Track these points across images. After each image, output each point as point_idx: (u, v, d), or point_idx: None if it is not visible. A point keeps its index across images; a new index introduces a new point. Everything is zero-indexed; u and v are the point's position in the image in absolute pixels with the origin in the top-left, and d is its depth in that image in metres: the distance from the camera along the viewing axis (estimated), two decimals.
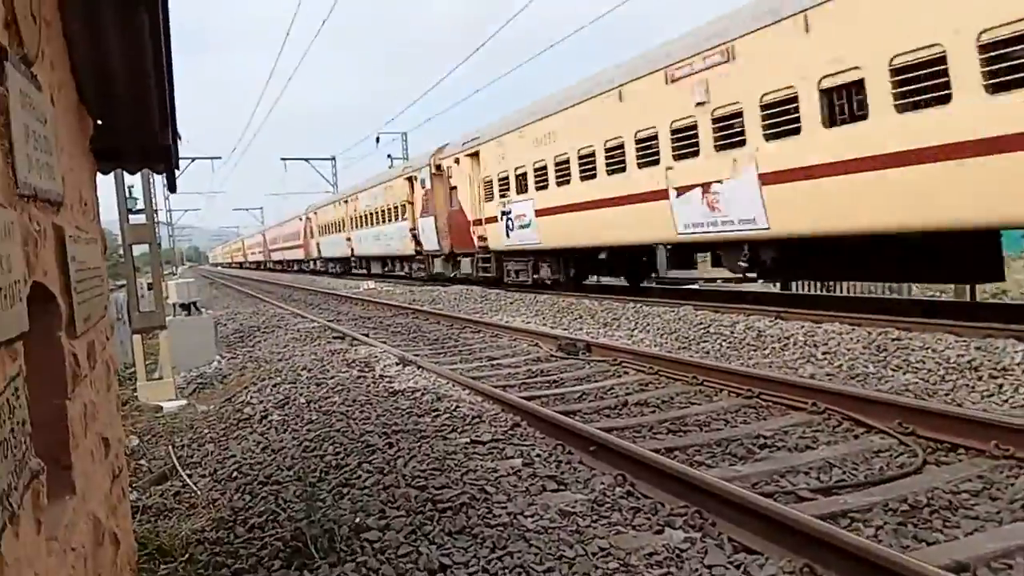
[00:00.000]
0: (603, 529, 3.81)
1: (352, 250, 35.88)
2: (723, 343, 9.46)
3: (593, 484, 4.47)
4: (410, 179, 26.27)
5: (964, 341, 7.70)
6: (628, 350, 8.82)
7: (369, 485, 4.67)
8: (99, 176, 4.07)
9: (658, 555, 3.47)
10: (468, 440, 5.56)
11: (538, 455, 5.09)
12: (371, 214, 31.54)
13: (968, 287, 12.66)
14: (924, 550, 3.37)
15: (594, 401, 6.85)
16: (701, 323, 10.80)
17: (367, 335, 12.46)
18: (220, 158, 55.00)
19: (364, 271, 36.10)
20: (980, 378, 6.52)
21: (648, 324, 11.50)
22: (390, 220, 28.92)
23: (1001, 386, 6.22)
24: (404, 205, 26.90)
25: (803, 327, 9.50)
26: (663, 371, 7.70)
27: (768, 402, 6.23)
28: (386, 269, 32.79)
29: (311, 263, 48.10)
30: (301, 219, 48.71)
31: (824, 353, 8.15)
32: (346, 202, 36.01)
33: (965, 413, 5.05)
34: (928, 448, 4.79)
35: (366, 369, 8.86)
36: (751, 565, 3.31)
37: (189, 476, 5.53)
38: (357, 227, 34.34)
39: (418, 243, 26.00)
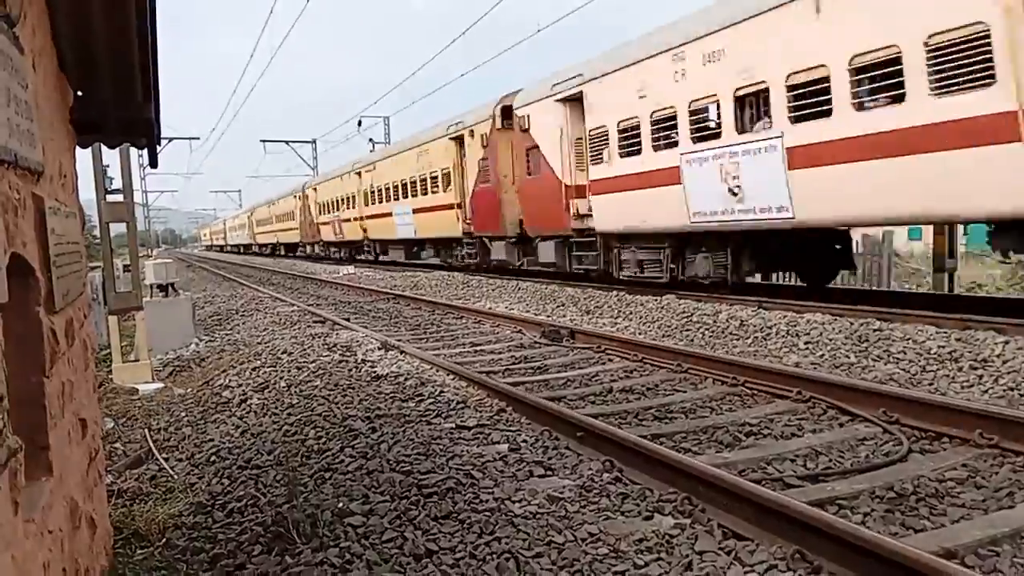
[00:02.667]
0: (592, 515, 3.77)
1: (364, 231, 29.93)
2: (706, 332, 9.47)
3: (581, 470, 4.44)
4: (459, 138, 20.13)
5: (944, 332, 7.77)
6: (612, 337, 8.80)
7: (352, 470, 4.60)
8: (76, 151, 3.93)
9: (648, 541, 3.44)
10: (453, 425, 5.50)
11: (524, 441, 5.05)
12: (394, 187, 25.67)
13: (946, 279, 12.86)
14: (912, 536, 3.37)
15: (579, 387, 6.82)
16: (684, 312, 10.82)
17: (348, 320, 12.34)
18: (198, 139, 54.20)
19: (373, 256, 30.84)
20: (960, 368, 6.58)
21: (631, 312, 11.49)
22: (423, 193, 23.02)
23: (981, 376, 6.28)
24: (447, 173, 21.07)
25: (785, 317, 9.54)
26: (647, 358, 7.69)
27: (753, 390, 6.23)
28: (414, 254, 26.47)
29: (308, 247, 41.23)
30: (296, 197, 42.83)
31: (807, 343, 8.18)
32: (358, 174, 30.21)
33: (949, 402, 5.08)
34: (913, 437, 4.81)
35: (348, 353, 8.76)
36: (742, 551, 3.29)
37: (166, 460, 5.42)
38: (373, 202, 28.37)
39: (469, 222, 19.90)
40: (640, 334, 9.63)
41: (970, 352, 6.98)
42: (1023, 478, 4.03)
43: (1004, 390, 5.87)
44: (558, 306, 12.99)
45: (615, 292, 13.65)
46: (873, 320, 8.77)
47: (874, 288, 15.46)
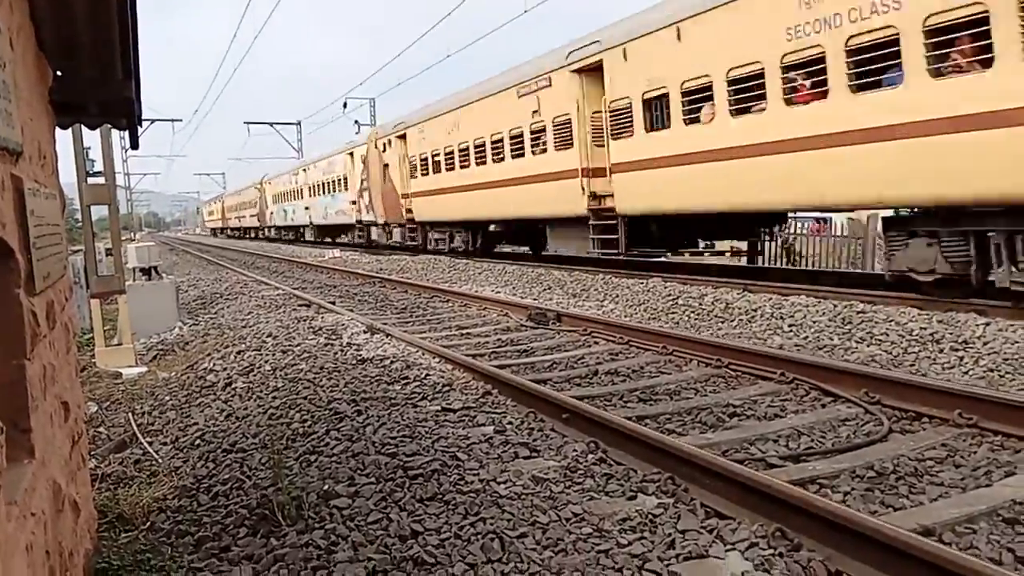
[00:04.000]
0: (576, 495, 3.80)
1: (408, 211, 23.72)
2: (691, 314, 9.52)
3: (566, 451, 4.47)
4: (581, 71, 14.36)
5: (926, 314, 7.85)
6: (598, 320, 8.82)
7: (338, 452, 4.60)
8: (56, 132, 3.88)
9: (631, 520, 3.48)
10: (439, 408, 5.51)
11: (510, 423, 5.07)
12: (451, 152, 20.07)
13: None
14: (891, 515, 3.42)
15: (565, 370, 6.84)
16: (670, 295, 10.86)
17: (334, 303, 12.30)
18: (180, 120, 53.51)
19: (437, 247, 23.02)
20: (942, 350, 6.66)
21: (617, 295, 11.53)
22: (531, 153, 16.33)
23: (962, 358, 6.36)
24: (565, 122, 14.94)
25: (770, 299, 9.60)
26: (633, 341, 7.72)
27: (737, 371, 6.28)
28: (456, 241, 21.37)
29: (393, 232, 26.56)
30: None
31: (791, 325, 8.25)
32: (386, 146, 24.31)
33: (930, 383, 5.15)
34: (893, 417, 4.88)
35: (333, 337, 8.74)
36: (724, 529, 3.33)
37: (150, 444, 5.41)
38: (420, 174, 22.45)
39: (597, 198, 14.49)
40: (626, 317, 9.66)
41: (951, 334, 7.06)
42: (1000, 457, 4.10)
43: (984, 371, 5.95)
44: (544, 289, 13.00)
45: (601, 275, 13.69)
46: (856, 303, 8.85)
47: (858, 270, 15.58)
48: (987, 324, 7.20)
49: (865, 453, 4.26)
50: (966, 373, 5.97)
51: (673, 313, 9.73)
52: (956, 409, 4.63)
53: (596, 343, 8.04)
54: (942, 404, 4.77)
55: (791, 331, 8.00)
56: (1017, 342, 6.57)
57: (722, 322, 8.91)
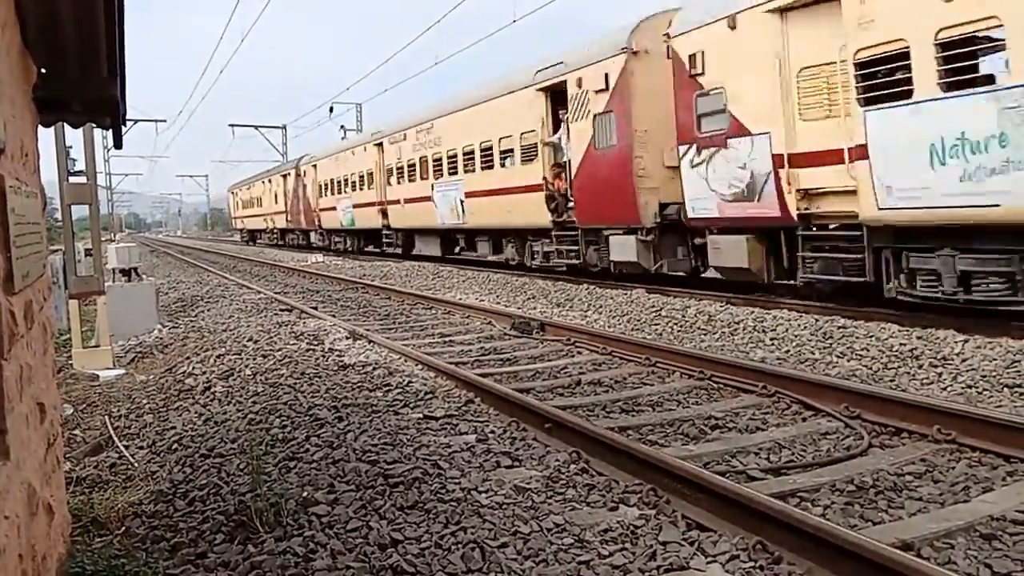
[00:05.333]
0: (558, 505, 3.79)
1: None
2: (674, 326, 9.55)
3: (548, 461, 4.45)
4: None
5: (906, 330, 7.92)
6: (582, 330, 8.83)
7: (318, 459, 4.56)
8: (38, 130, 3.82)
9: (613, 531, 3.47)
10: (421, 415, 5.48)
11: (492, 431, 5.05)
12: None
13: None
14: (870, 529, 3.44)
15: (548, 379, 6.84)
16: (653, 306, 10.89)
17: (316, 308, 12.22)
18: (164, 121, 53.13)
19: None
20: (921, 366, 6.72)
21: (601, 305, 11.54)
22: None
23: (941, 374, 6.42)
24: None
25: (752, 312, 9.66)
26: (616, 351, 7.73)
27: (719, 384, 6.30)
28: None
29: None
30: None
31: (772, 338, 8.30)
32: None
33: (909, 398, 5.19)
34: (873, 431, 4.91)
35: (315, 342, 8.68)
36: (705, 542, 3.33)
37: (126, 447, 5.33)
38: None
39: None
40: (610, 327, 9.68)
41: (931, 350, 7.13)
42: (978, 473, 4.13)
43: (963, 387, 6.01)
44: (529, 298, 13.00)
45: (585, 285, 13.71)
46: (838, 317, 8.92)
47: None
48: (966, 341, 7.27)
49: (845, 467, 4.28)
50: (945, 389, 6.02)
51: (656, 324, 9.75)
52: (935, 425, 4.67)
53: (579, 353, 8.04)
54: (921, 420, 4.80)
55: (773, 344, 8.05)
56: (995, 359, 6.64)
57: (705, 334, 8.95)
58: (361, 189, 26.65)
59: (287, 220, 38.15)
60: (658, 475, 3.94)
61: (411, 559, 3.23)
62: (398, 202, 23.26)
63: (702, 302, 10.84)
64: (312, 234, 34.72)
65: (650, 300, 11.46)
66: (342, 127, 47.26)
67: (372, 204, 25.35)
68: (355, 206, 27.30)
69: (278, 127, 54.13)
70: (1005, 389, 5.88)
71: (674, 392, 6.20)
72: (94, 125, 6.29)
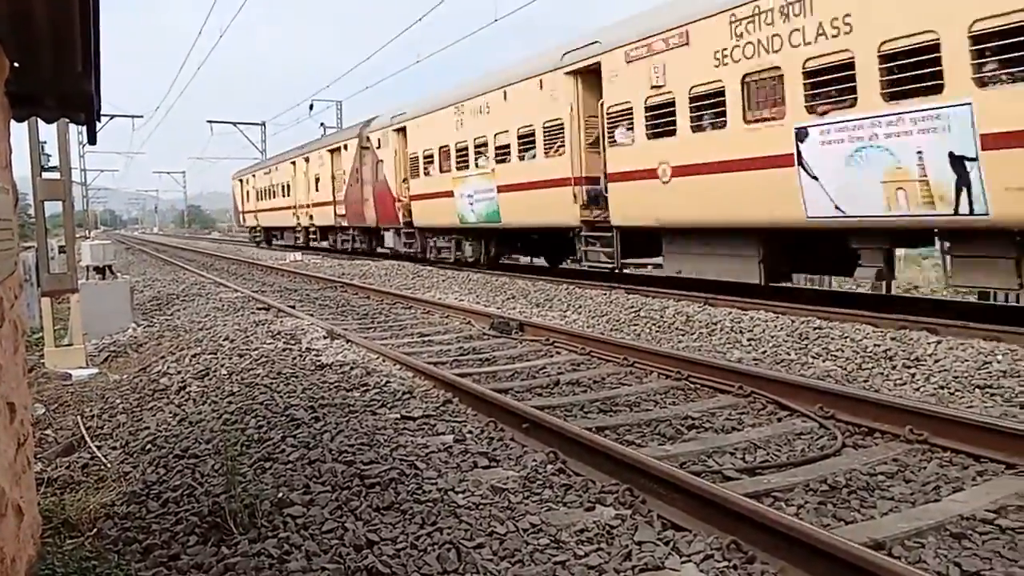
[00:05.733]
0: (534, 506, 3.79)
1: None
2: (653, 326, 9.60)
3: (525, 461, 4.46)
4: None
5: (880, 332, 8.03)
6: (561, 330, 8.85)
7: (293, 460, 4.52)
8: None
9: (589, 532, 3.48)
10: (398, 415, 5.46)
11: (470, 432, 5.04)
12: None
13: (884, 282, 13.28)
14: (843, 528, 3.48)
15: (526, 379, 6.84)
16: (632, 306, 10.94)
17: (293, 307, 12.13)
18: (141, 117, 52.41)
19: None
20: (895, 367, 6.81)
21: (580, 306, 11.57)
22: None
23: (914, 375, 6.51)
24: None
25: (730, 313, 9.73)
26: (595, 352, 7.75)
27: (696, 384, 6.34)
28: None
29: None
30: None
31: (749, 339, 8.36)
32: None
33: (882, 399, 5.26)
34: (847, 431, 4.96)
35: (292, 341, 8.61)
36: (680, 541, 3.35)
37: (99, 448, 5.26)
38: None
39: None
40: (588, 327, 9.70)
41: (904, 351, 7.22)
42: (949, 473, 4.19)
43: (935, 388, 6.10)
44: (508, 298, 12.99)
45: (565, 285, 13.74)
46: (814, 319, 9.01)
47: (816, 288, 15.89)
48: (938, 342, 7.38)
49: (819, 467, 4.32)
50: (917, 390, 6.11)
51: (635, 325, 9.79)
52: (907, 425, 4.74)
53: (558, 353, 8.05)
54: (894, 420, 4.87)
55: (750, 345, 8.11)
56: (967, 360, 6.75)
57: (683, 335, 9.00)
58: (522, 157, 15.33)
59: (337, 214, 26.45)
60: (634, 475, 3.95)
61: (387, 560, 3.22)
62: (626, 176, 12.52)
63: (680, 302, 10.91)
64: (389, 234, 22.94)
65: (629, 300, 11.51)
66: (322, 124, 47.01)
67: (548, 184, 14.48)
68: (502, 189, 16.14)
69: (257, 124, 53.71)
70: (976, 390, 5.97)
71: (652, 392, 6.23)
72: (68, 120, 6.19)
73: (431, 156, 19.17)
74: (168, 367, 7.63)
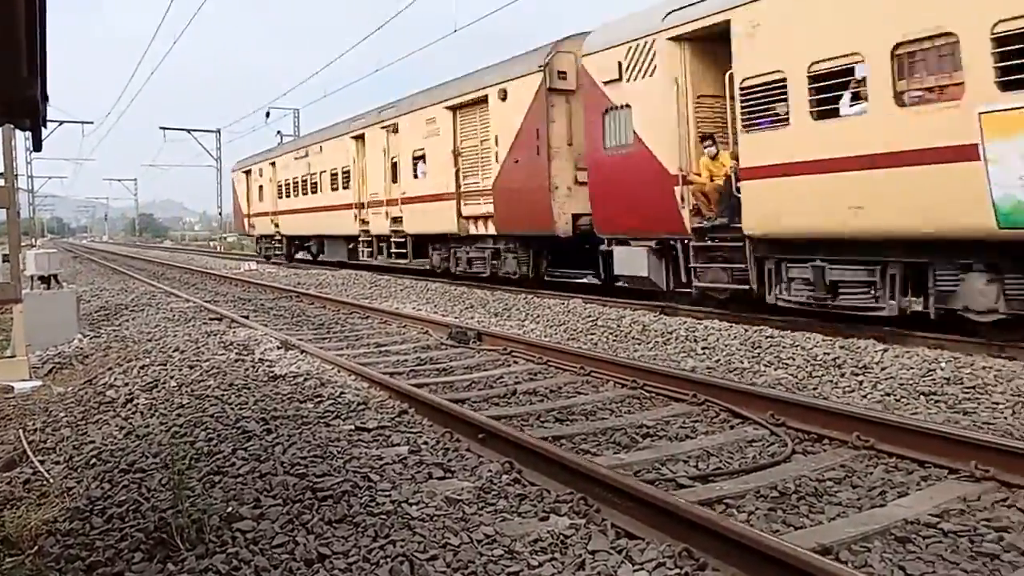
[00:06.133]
0: (489, 516, 3.78)
1: None
2: (610, 335, 9.67)
3: (480, 471, 4.44)
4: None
5: (830, 340, 8.21)
6: (518, 340, 8.86)
7: (244, 473, 4.43)
8: None
9: (543, 541, 3.47)
10: (352, 427, 5.40)
11: (425, 442, 5.01)
12: None
13: None
14: (792, 534, 3.53)
15: (483, 389, 6.83)
16: (589, 316, 11.01)
17: (247, 317, 11.93)
18: (91, 123, 51.17)
19: None
20: (843, 375, 6.96)
21: (539, 315, 11.60)
22: None
23: (862, 382, 6.66)
24: None
25: (685, 323, 9.85)
26: (552, 361, 7.78)
27: (651, 393, 6.40)
28: None
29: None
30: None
31: (704, 348, 8.48)
32: None
33: (831, 406, 5.37)
34: (797, 438, 5.06)
35: (244, 352, 8.46)
36: (633, 550, 3.37)
37: (41, 463, 5.10)
38: None
39: None
40: (546, 337, 9.73)
41: (852, 359, 7.40)
42: (894, 478, 4.30)
43: (882, 395, 6.25)
44: (466, 308, 12.97)
45: (523, 295, 13.76)
46: (767, 328, 9.18)
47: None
48: (885, 350, 7.58)
49: (770, 474, 4.39)
50: (865, 397, 6.25)
51: (592, 334, 9.86)
52: (855, 431, 4.84)
53: (516, 362, 8.06)
54: (842, 427, 4.97)
55: (704, 354, 8.22)
56: (912, 368, 6.94)
57: (639, 343, 9.09)
58: None
59: (466, 215, 16.08)
60: (589, 484, 3.96)
61: (338, 574, 3.17)
62: None
63: (637, 312, 11.02)
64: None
65: (586, 309, 11.58)
66: (278, 133, 46.47)
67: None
68: None
69: (212, 131, 52.86)
70: (921, 396, 6.14)
71: (607, 401, 6.27)
72: (12, 126, 6.01)
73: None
74: (115, 379, 7.43)
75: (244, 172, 32.91)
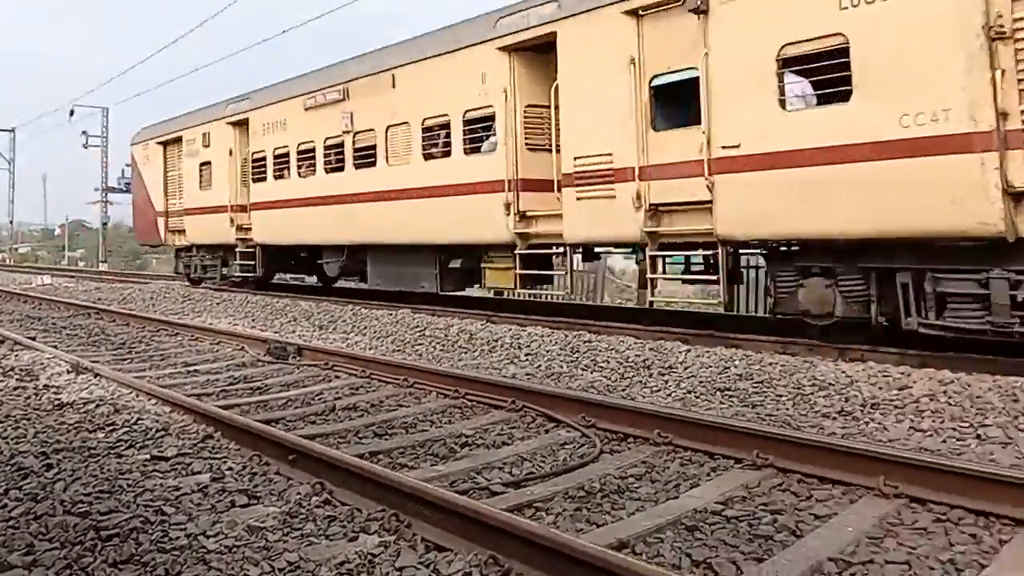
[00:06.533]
0: (294, 542, 3.61)
1: None
2: (437, 345, 9.67)
3: (288, 495, 4.24)
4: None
5: (641, 343, 8.71)
6: (341, 353, 8.62)
7: (17, 515, 3.94)
8: None
9: (350, 563, 3.37)
10: (148, 456, 4.97)
11: (230, 468, 4.71)
12: None
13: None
14: (594, 532, 3.67)
15: (300, 407, 6.56)
16: (417, 326, 10.95)
17: (34, 338, 10.70)
18: None
19: None
20: (651, 375, 7.40)
21: (365, 327, 11.38)
22: None
23: (667, 381, 7.11)
24: None
25: (510, 330, 10.06)
26: (375, 374, 7.64)
27: (473, 401, 6.46)
28: None
29: None
30: None
31: (527, 354, 8.69)
32: None
33: (636, 406, 5.68)
34: (605, 439, 5.29)
35: (27, 378, 7.58)
36: (441, 562, 3.35)
37: None
38: None
39: None
40: (371, 349, 9.56)
41: (659, 360, 7.88)
42: (688, 471, 4.61)
43: (683, 393, 6.70)
44: (289, 321, 12.47)
45: (350, 306, 13.45)
46: (585, 333, 9.59)
47: (589, 303, 16.97)
48: (688, 351, 8.15)
49: (578, 475, 4.55)
50: (668, 395, 6.67)
51: (420, 344, 9.81)
52: (656, 429, 5.15)
53: (337, 377, 7.83)
54: (645, 425, 5.27)
55: (527, 360, 8.43)
56: (711, 366, 7.51)
57: (465, 352, 9.15)
58: None
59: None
60: (401, 499, 3.90)
61: None
62: None
63: (464, 320, 11.11)
64: None
65: (415, 319, 11.53)
66: (84, 133, 42.57)
67: None
68: None
69: (7, 130, 47.37)
70: (717, 393, 6.65)
71: (429, 412, 6.24)
72: None
73: None
74: None
75: (160, 145, 20.82)
